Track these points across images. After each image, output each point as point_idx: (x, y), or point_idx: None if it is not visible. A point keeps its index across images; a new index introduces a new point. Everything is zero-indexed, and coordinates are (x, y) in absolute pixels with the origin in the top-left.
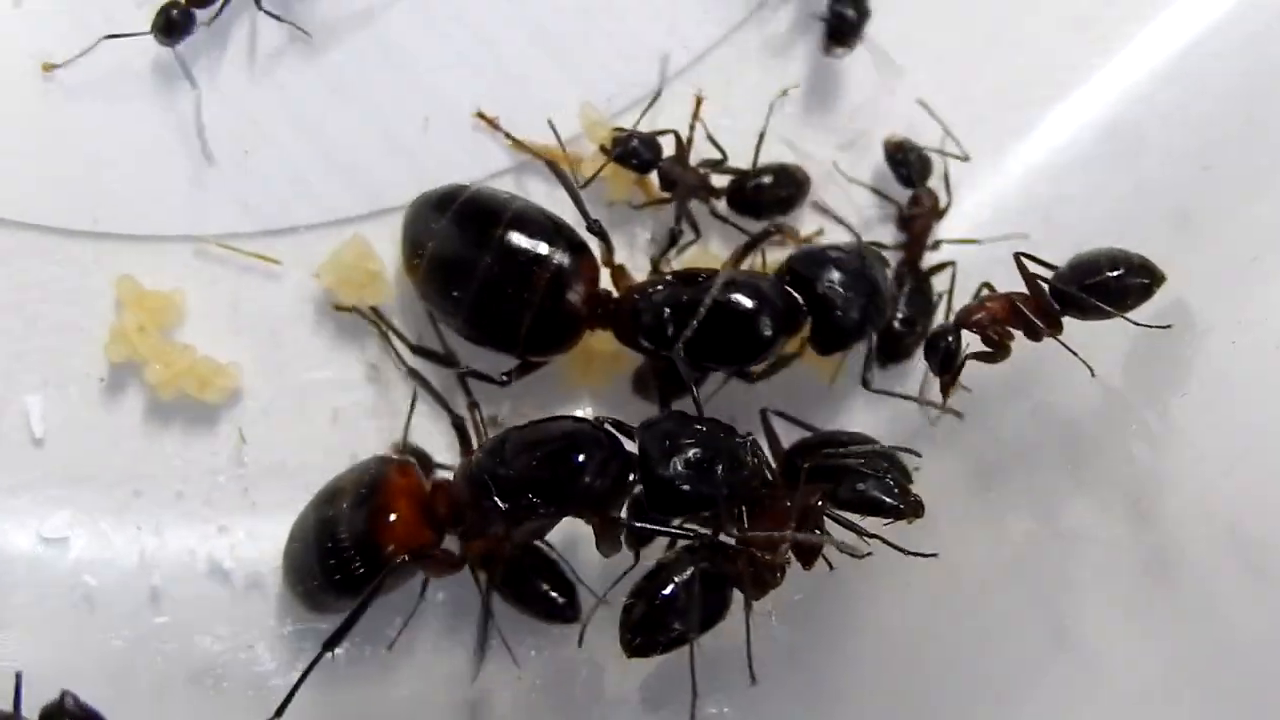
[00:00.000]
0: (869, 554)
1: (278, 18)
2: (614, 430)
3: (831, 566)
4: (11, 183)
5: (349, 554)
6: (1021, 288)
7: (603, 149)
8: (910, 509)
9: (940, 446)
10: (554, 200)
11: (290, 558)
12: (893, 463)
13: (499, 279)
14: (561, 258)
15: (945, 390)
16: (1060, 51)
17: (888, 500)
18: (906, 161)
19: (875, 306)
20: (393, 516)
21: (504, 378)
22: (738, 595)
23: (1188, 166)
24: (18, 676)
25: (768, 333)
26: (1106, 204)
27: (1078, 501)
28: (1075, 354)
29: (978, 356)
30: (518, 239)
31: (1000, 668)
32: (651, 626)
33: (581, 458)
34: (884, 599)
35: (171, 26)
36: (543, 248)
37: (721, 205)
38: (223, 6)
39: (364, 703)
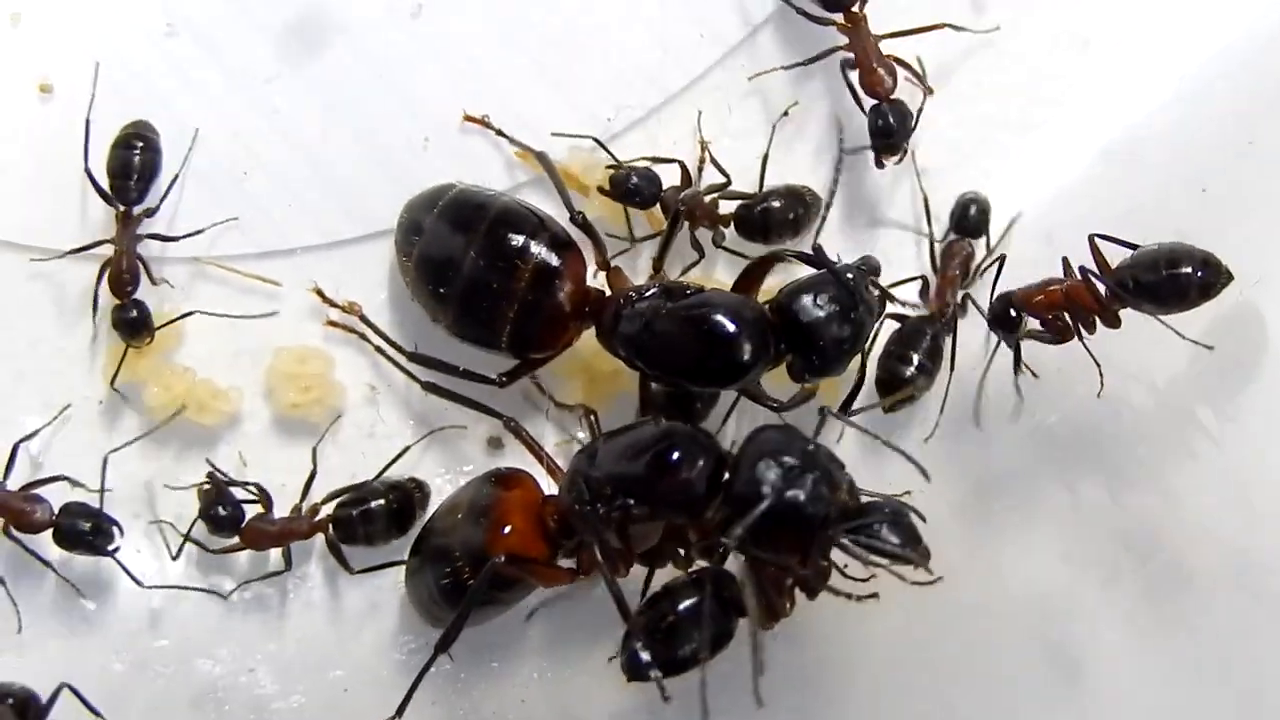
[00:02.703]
0: (874, 595)
1: None
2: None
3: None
4: (11, 205)
5: (460, 564)
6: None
7: (601, 190)
8: (919, 557)
9: (941, 468)
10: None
11: (409, 571)
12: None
13: (483, 274)
14: (545, 253)
15: (1017, 366)
16: (1058, 73)
17: (902, 547)
18: (966, 213)
19: (855, 339)
20: (507, 528)
21: (502, 379)
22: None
23: (1186, 189)
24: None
25: (743, 358)
26: (1104, 226)
27: (1080, 525)
28: (1096, 361)
29: (1038, 336)
30: (502, 233)
31: (1001, 692)
32: (655, 652)
33: (676, 455)
34: (886, 621)
35: (134, 325)
36: (526, 242)
37: (729, 233)
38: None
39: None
